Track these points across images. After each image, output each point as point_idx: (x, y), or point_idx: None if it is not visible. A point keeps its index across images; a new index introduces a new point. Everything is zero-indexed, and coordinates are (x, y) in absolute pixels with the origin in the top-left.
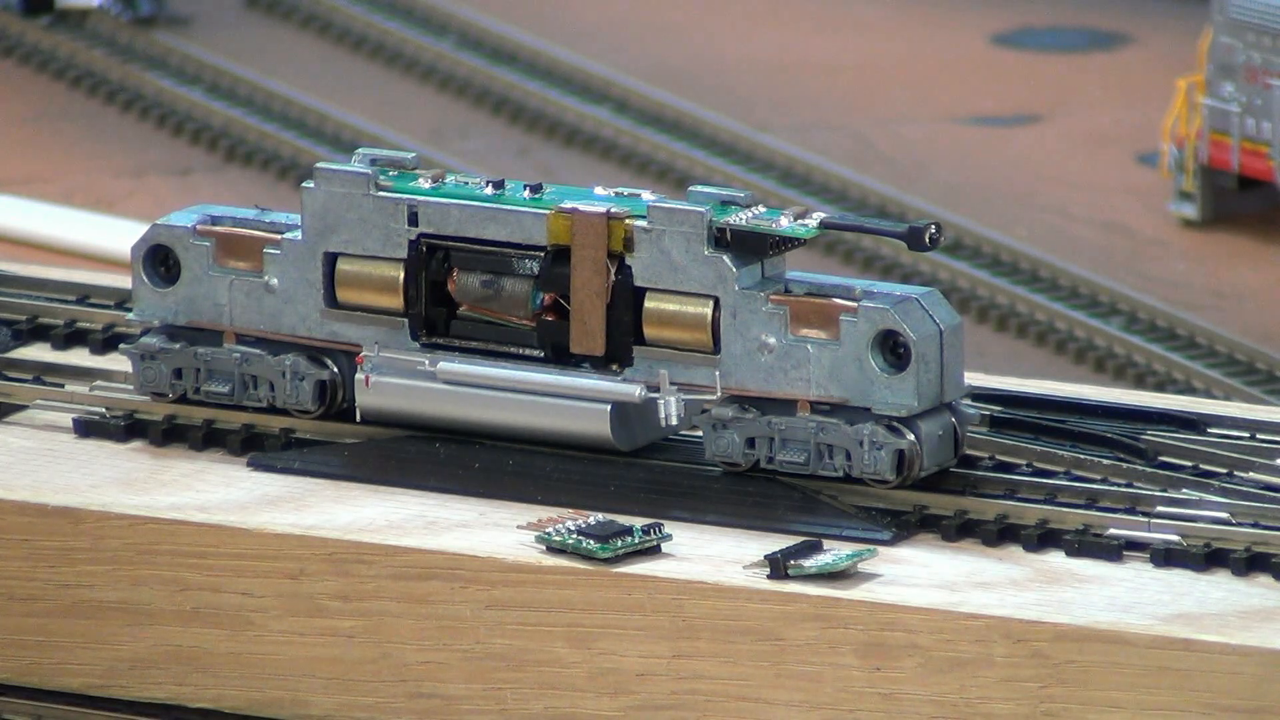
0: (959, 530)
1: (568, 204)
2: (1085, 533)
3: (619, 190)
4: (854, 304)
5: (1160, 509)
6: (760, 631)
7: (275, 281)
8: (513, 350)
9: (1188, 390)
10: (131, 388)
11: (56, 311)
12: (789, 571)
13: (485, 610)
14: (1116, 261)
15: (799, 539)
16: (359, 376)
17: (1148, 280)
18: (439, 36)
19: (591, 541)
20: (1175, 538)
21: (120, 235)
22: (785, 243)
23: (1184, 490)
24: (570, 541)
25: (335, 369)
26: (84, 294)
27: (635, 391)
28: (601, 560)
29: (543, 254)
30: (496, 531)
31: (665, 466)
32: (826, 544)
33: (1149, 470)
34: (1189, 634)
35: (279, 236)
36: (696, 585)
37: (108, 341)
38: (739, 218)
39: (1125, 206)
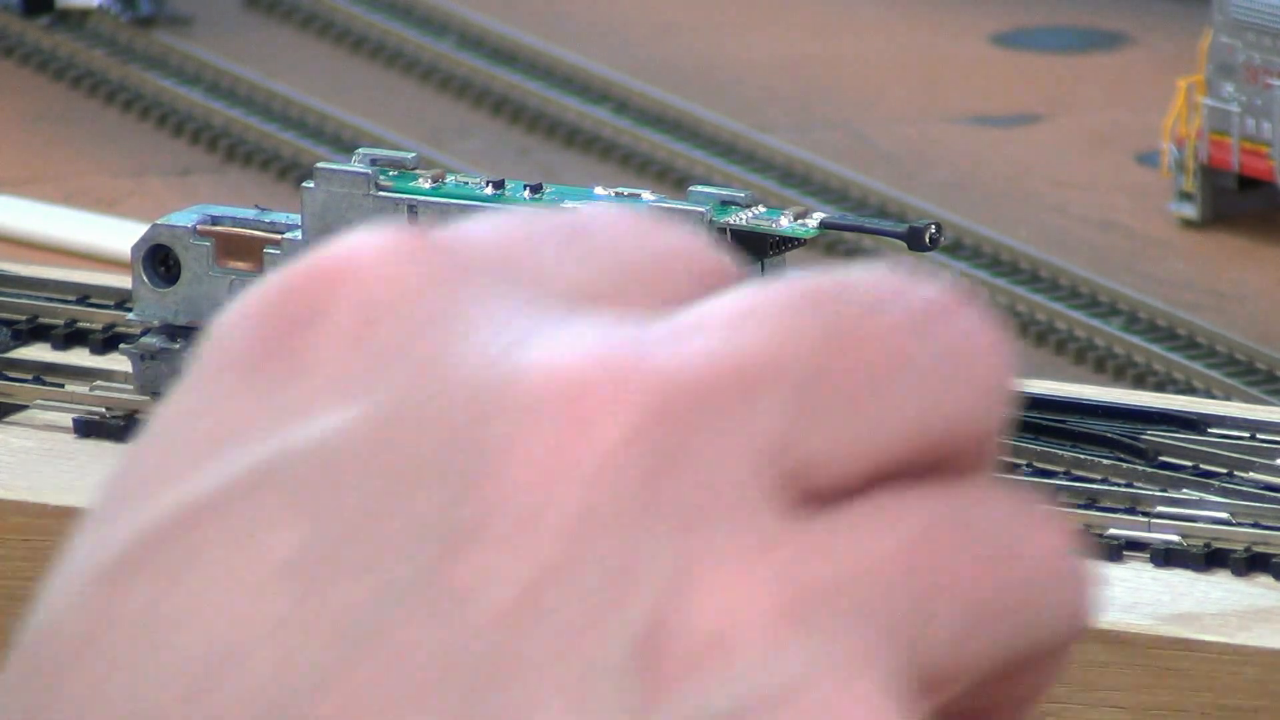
0: None
1: (568, 204)
2: (1085, 533)
3: (619, 190)
4: None
5: (1160, 509)
6: None
7: None
8: None
9: (1188, 390)
10: (131, 388)
11: (56, 311)
12: None
13: None
14: (1116, 261)
15: None
16: None
17: (1148, 280)
18: (439, 36)
19: None
20: (1175, 538)
21: (120, 235)
22: (785, 243)
23: (1184, 490)
24: None
25: None
26: (84, 294)
27: None
28: None
29: None
30: None
31: None
32: None
33: (1149, 470)
34: (1189, 634)
35: (279, 236)
36: None
37: (108, 341)
38: (739, 218)
39: (1125, 206)
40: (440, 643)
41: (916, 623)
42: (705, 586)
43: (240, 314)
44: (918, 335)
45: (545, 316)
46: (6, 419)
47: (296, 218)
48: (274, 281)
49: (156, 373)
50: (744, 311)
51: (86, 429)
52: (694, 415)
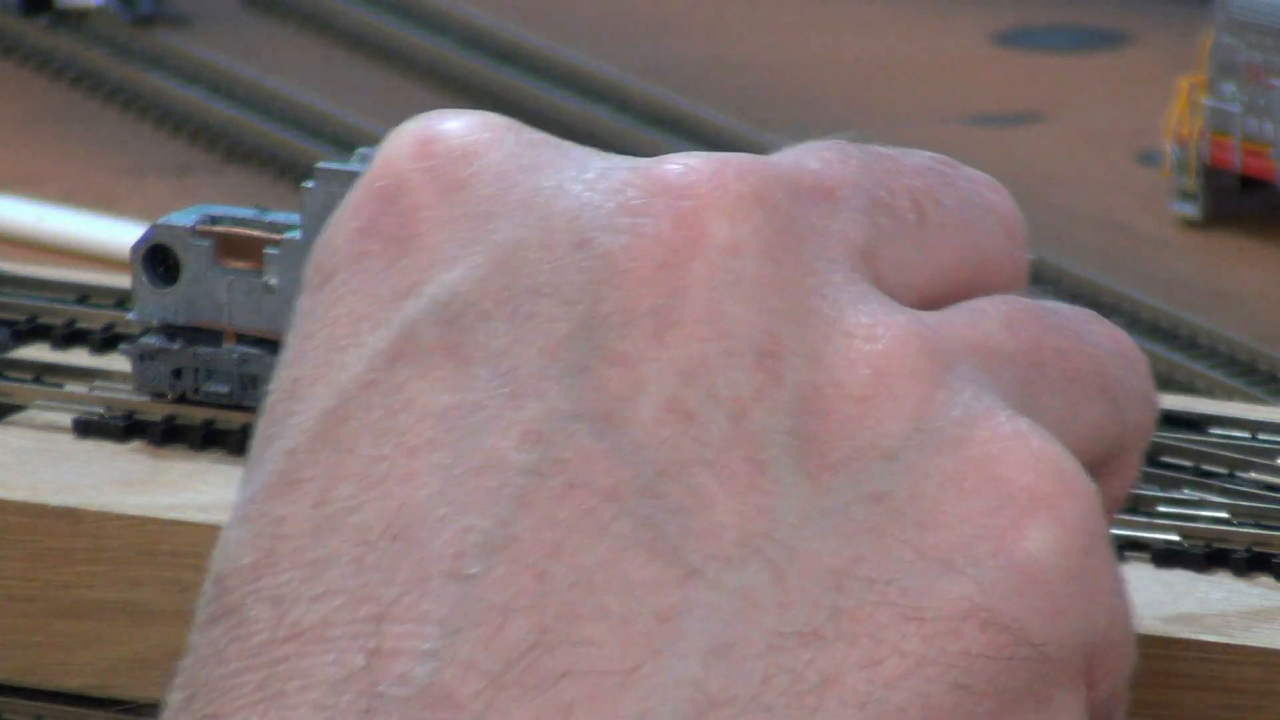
0: None
1: None
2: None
3: None
4: None
5: (1160, 509)
6: None
7: (275, 281)
8: None
9: (1188, 390)
10: (131, 388)
11: (56, 311)
12: None
13: None
14: (1117, 261)
15: None
16: None
17: (1148, 280)
18: (439, 36)
19: None
20: (1175, 538)
21: (120, 235)
22: None
23: (1184, 490)
24: None
25: None
26: (84, 294)
27: None
28: None
29: None
30: None
31: None
32: None
33: (1149, 470)
34: (1189, 634)
35: (279, 236)
36: None
37: (107, 341)
38: None
39: (1125, 206)
40: (606, 464)
41: (1030, 393)
42: (846, 349)
43: (335, 221)
44: (938, 177)
45: (619, 159)
46: (6, 419)
47: (296, 217)
48: (354, 190)
49: (156, 373)
50: (800, 151)
51: (86, 429)
52: (790, 206)
